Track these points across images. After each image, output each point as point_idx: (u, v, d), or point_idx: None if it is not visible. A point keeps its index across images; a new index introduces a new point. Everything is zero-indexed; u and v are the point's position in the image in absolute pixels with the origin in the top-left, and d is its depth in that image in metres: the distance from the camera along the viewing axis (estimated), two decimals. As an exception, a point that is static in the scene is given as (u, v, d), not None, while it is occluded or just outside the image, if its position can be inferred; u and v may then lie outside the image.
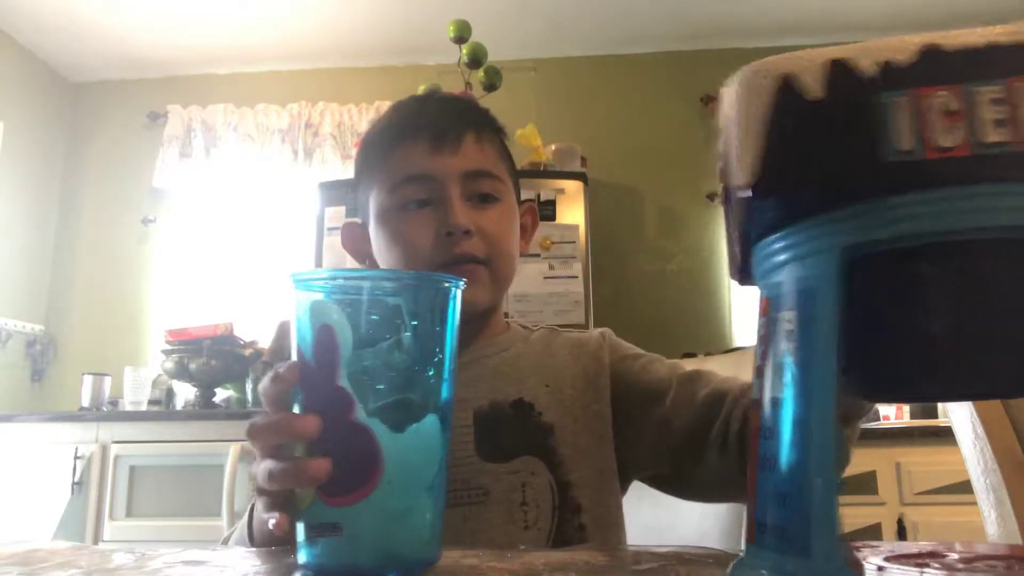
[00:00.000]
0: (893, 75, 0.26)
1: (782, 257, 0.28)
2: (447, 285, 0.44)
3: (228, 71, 3.33)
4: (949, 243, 0.26)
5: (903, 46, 0.26)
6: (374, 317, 0.43)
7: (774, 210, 0.28)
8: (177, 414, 2.65)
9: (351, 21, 3.02)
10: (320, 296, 0.43)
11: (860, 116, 0.26)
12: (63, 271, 3.25)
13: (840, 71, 0.27)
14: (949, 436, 0.77)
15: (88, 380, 2.76)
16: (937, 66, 0.26)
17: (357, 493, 0.40)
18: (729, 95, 0.29)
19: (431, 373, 0.43)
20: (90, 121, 3.38)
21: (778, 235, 0.29)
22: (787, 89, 0.27)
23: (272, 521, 0.42)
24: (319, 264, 2.47)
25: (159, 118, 3.30)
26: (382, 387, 0.42)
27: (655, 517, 0.88)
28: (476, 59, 2.37)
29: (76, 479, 2.40)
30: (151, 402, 2.79)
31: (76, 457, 2.42)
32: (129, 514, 2.38)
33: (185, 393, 2.85)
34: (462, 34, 2.37)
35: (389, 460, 0.40)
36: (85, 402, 2.74)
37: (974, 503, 0.74)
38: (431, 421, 0.42)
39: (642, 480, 0.78)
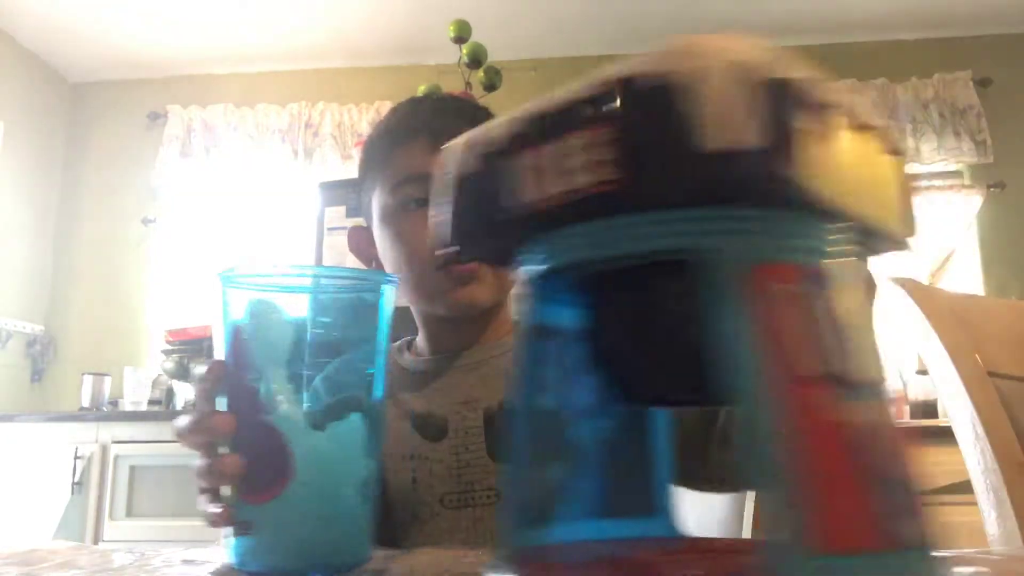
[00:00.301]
0: (513, 142, 0.32)
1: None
2: (374, 282, 0.44)
3: (228, 71, 3.32)
4: (620, 269, 0.31)
5: (524, 114, 0.32)
6: (289, 318, 0.42)
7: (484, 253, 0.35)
8: (177, 414, 2.65)
9: (351, 21, 3.02)
10: (242, 294, 0.42)
11: (491, 180, 0.33)
12: (63, 271, 3.25)
13: (485, 143, 0.33)
14: (949, 436, 0.77)
15: (88, 380, 2.77)
16: (539, 128, 0.31)
17: (269, 491, 0.40)
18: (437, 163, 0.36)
19: (354, 372, 0.43)
20: (90, 121, 3.38)
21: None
22: (464, 160, 0.34)
23: (212, 511, 0.42)
24: (319, 264, 2.47)
25: (159, 118, 3.30)
26: (293, 386, 0.41)
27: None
28: (476, 59, 2.37)
29: (76, 479, 2.40)
30: (151, 402, 2.79)
31: (76, 457, 2.42)
32: (129, 514, 2.38)
33: (185, 393, 2.85)
34: (462, 34, 2.37)
35: (304, 460, 0.39)
36: (85, 402, 2.74)
37: (974, 503, 0.74)
38: (354, 420, 0.42)
39: None
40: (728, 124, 0.25)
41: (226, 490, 0.42)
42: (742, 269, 0.28)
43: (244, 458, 0.40)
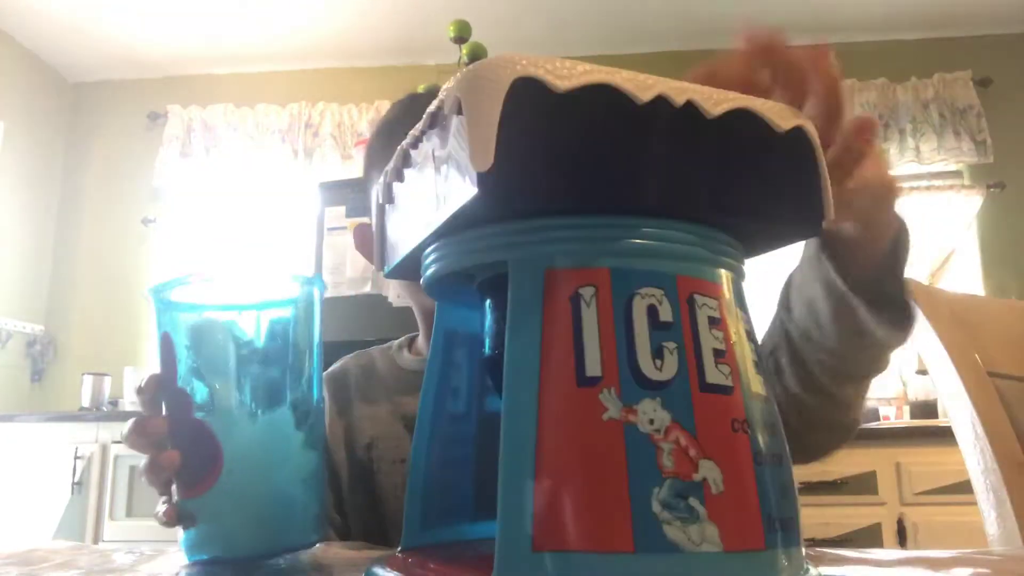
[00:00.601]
0: (393, 174, 0.39)
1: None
2: (298, 285, 0.46)
3: (228, 71, 3.32)
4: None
5: (399, 148, 0.37)
6: (219, 325, 0.45)
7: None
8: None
9: (351, 21, 3.02)
10: (168, 307, 0.45)
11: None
12: (63, 271, 3.25)
13: (386, 173, 0.38)
14: (949, 436, 0.77)
15: (88, 380, 2.76)
16: (402, 159, 0.37)
17: (204, 484, 0.42)
18: None
19: (281, 368, 0.45)
20: (90, 121, 3.38)
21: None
22: (381, 189, 0.41)
23: (161, 512, 0.45)
24: (319, 264, 2.47)
25: (159, 118, 3.30)
26: (218, 385, 0.43)
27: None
28: (476, 59, 2.36)
29: (76, 479, 2.40)
30: (151, 402, 2.79)
31: (76, 457, 2.42)
32: (129, 514, 2.38)
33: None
34: (462, 34, 2.36)
35: (231, 452, 0.42)
36: (85, 402, 2.74)
37: (974, 503, 0.74)
38: (283, 413, 0.44)
39: None
40: (484, 148, 0.27)
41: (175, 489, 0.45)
42: (527, 278, 0.29)
43: (177, 452, 0.43)
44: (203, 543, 0.43)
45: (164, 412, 0.45)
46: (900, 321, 0.56)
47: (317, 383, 0.46)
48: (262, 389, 0.44)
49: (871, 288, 0.55)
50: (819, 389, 0.62)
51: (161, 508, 0.45)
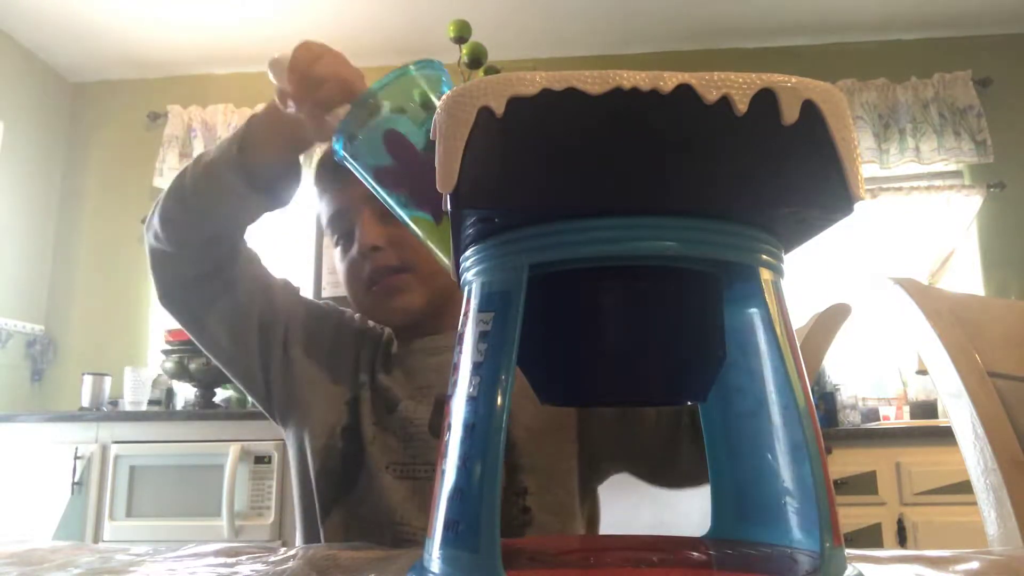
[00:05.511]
0: None
1: (480, 267, 0.34)
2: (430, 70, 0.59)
3: (228, 71, 3.32)
4: (616, 267, 0.32)
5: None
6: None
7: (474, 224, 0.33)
8: (177, 414, 2.65)
9: (351, 21, 3.02)
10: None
11: None
12: (63, 271, 3.25)
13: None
14: (949, 436, 0.77)
15: (88, 380, 2.76)
16: None
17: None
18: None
19: None
20: (90, 121, 3.38)
21: (479, 246, 0.34)
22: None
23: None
24: (318, 263, 2.48)
25: (159, 118, 3.30)
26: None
27: (656, 516, 0.88)
28: (476, 59, 2.37)
29: (76, 479, 2.40)
30: (151, 402, 2.79)
31: (76, 457, 2.42)
32: (129, 514, 2.38)
33: (185, 393, 2.84)
34: (462, 34, 2.36)
35: None
36: (85, 402, 2.74)
37: (974, 503, 0.74)
38: None
39: (621, 470, 0.80)
40: (449, 171, 0.29)
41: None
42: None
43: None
44: None
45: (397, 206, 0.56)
46: None
47: None
48: None
49: None
50: None
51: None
